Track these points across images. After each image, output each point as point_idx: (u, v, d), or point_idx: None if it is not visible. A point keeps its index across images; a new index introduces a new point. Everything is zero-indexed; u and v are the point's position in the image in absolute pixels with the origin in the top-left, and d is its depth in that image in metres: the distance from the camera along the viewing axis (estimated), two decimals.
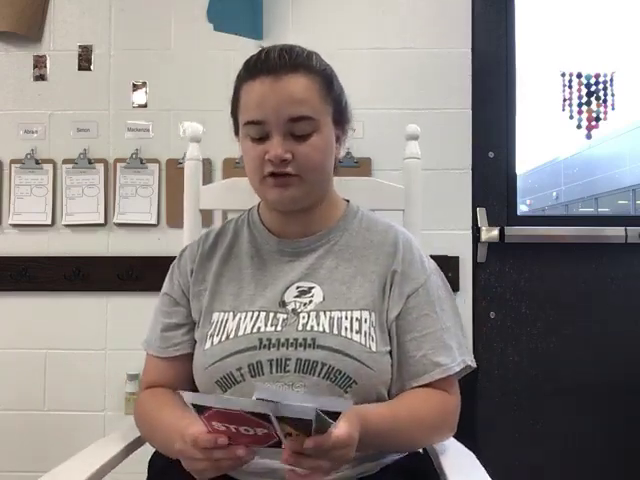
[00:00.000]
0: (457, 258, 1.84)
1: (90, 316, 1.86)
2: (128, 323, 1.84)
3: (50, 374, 1.86)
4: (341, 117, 0.98)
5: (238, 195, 1.09)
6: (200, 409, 0.67)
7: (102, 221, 1.86)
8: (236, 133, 0.98)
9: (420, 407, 0.89)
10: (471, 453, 0.93)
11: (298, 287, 0.92)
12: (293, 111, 0.88)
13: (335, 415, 0.66)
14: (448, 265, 1.81)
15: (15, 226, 1.88)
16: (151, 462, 0.96)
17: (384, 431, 0.82)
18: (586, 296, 1.88)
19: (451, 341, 0.93)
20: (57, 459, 0.87)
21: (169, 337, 0.97)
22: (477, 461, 0.89)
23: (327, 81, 0.94)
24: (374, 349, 0.88)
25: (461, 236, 1.86)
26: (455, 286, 1.83)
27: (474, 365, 0.94)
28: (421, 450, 0.97)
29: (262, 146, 0.89)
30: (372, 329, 0.89)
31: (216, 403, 0.65)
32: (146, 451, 0.98)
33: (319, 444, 0.66)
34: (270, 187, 0.90)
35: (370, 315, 0.90)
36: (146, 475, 0.95)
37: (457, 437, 0.97)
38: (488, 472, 0.83)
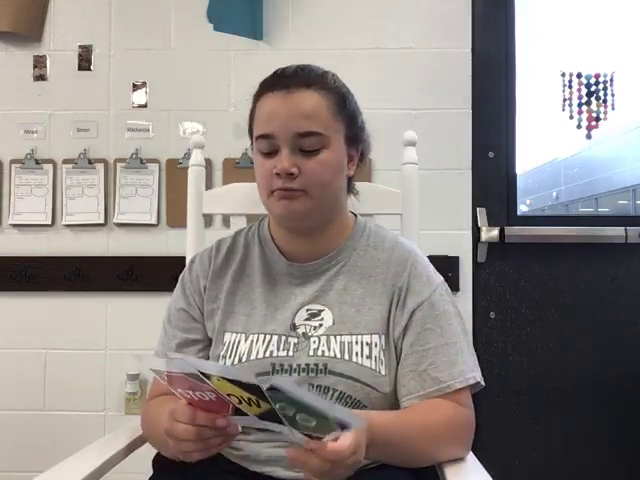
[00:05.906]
0: (457, 258, 1.84)
1: (90, 316, 1.86)
2: (128, 323, 1.84)
3: (50, 374, 1.86)
4: (355, 137, 0.97)
5: (239, 200, 1.13)
6: (158, 373, 0.70)
7: (102, 221, 1.86)
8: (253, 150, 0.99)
9: (429, 414, 0.86)
10: (471, 453, 0.93)
11: (308, 310, 0.93)
12: (301, 126, 0.89)
13: (345, 427, 0.66)
14: (448, 265, 1.82)
15: (15, 226, 1.88)
16: (155, 460, 0.95)
17: (392, 436, 0.81)
18: (586, 296, 1.88)
19: (456, 357, 0.90)
20: (57, 459, 0.87)
21: (185, 352, 0.96)
22: (477, 462, 0.89)
23: (340, 99, 0.94)
24: (384, 372, 0.89)
25: (461, 236, 1.86)
26: (455, 286, 1.83)
27: (483, 383, 0.92)
28: None
29: (271, 161, 0.91)
30: (382, 352, 0.90)
31: (166, 367, 0.67)
32: (145, 451, 0.98)
33: (335, 449, 0.65)
34: (276, 201, 0.90)
35: (380, 338, 0.91)
36: (146, 475, 0.95)
37: None
38: (488, 472, 0.83)
